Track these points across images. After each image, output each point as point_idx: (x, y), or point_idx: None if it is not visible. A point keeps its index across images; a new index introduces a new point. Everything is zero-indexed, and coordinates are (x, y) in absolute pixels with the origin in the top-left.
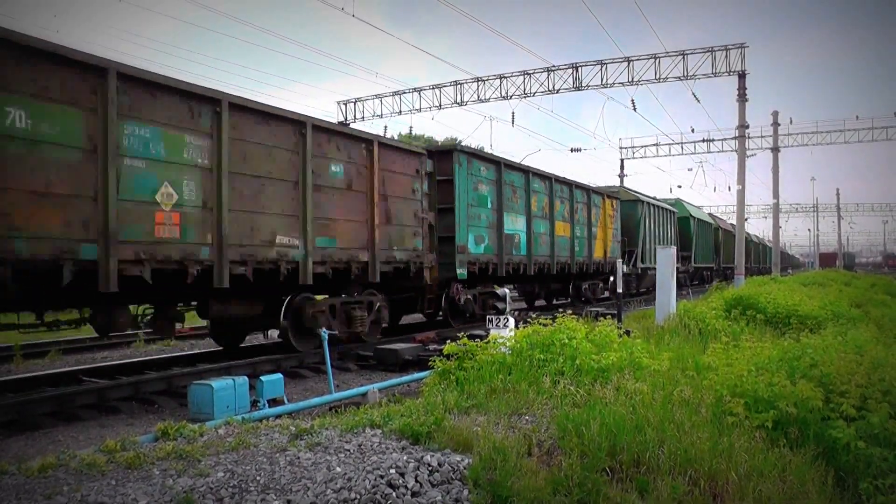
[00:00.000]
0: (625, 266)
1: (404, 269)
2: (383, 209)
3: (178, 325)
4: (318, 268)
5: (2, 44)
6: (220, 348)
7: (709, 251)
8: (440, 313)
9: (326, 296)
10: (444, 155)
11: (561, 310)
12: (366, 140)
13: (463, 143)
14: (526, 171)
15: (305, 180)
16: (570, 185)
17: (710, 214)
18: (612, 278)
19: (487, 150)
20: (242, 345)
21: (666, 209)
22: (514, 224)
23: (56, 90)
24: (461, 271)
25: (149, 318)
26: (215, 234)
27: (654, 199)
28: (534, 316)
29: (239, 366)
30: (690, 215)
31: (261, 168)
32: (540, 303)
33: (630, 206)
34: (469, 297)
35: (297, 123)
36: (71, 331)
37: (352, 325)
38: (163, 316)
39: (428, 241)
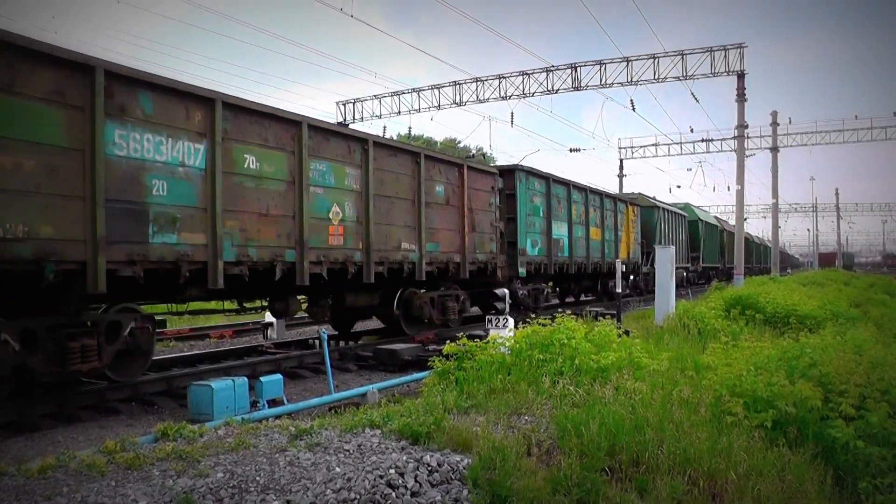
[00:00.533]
0: (644, 266)
1: (483, 269)
2: (470, 220)
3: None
4: (427, 267)
5: (243, 111)
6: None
7: (715, 252)
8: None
9: (424, 290)
10: (508, 173)
11: (589, 306)
12: (458, 164)
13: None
14: (567, 184)
15: (420, 198)
16: (601, 194)
17: (716, 217)
18: (632, 277)
19: (487, 150)
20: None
21: (678, 214)
22: (559, 230)
23: (273, 140)
24: (522, 270)
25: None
26: (364, 242)
27: (667, 204)
28: (533, 316)
29: (238, 366)
30: (699, 219)
31: (391, 190)
32: (569, 299)
33: (648, 211)
34: (525, 292)
35: (414, 154)
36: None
37: (445, 314)
38: (315, 304)
39: (499, 245)
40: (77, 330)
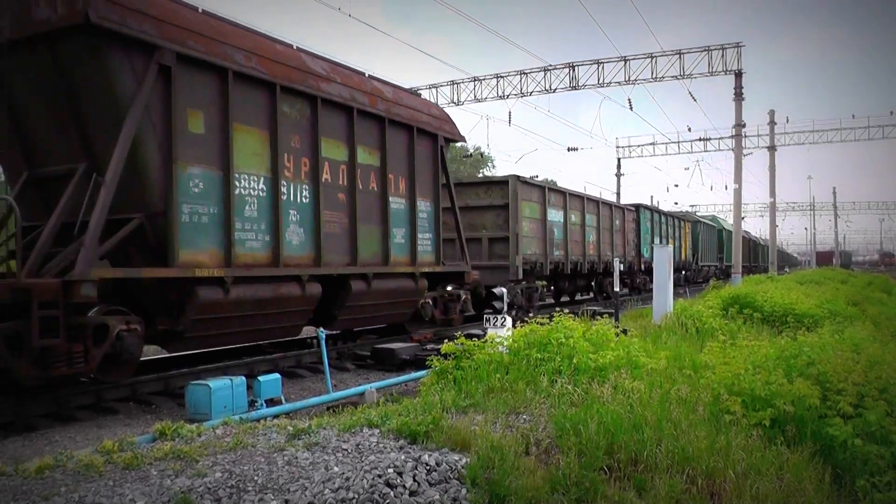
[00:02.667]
0: (694, 263)
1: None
2: (608, 237)
3: None
4: (600, 266)
5: (573, 196)
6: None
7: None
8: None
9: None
10: (631, 206)
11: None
12: (609, 203)
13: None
14: (669, 215)
15: (611, 227)
16: (676, 216)
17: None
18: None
19: (484, 150)
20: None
21: (711, 225)
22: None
23: (573, 205)
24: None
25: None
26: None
27: (702, 217)
28: (531, 315)
29: (236, 366)
30: (723, 227)
31: (604, 224)
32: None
33: (693, 224)
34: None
35: (606, 205)
36: None
37: (602, 289)
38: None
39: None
40: None
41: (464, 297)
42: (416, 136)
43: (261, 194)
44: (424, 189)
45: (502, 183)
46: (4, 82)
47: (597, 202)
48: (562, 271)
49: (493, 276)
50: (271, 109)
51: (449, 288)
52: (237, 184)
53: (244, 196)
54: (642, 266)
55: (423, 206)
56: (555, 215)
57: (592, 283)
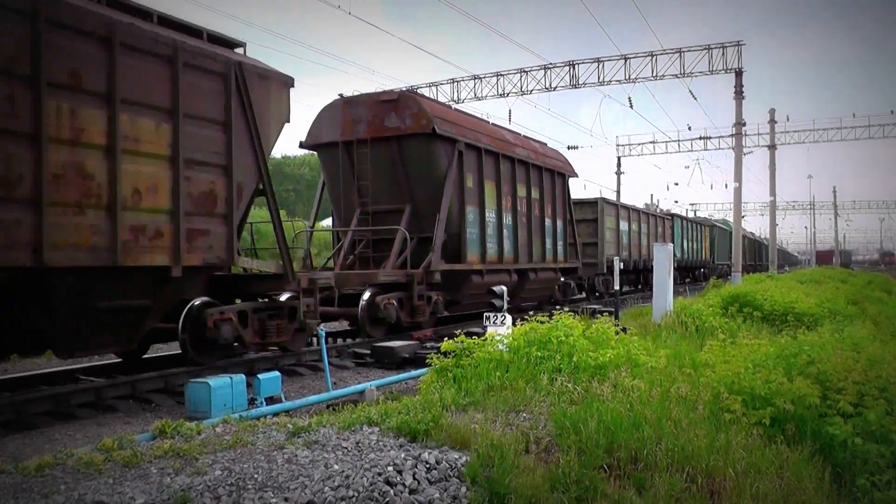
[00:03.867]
0: (711, 261)
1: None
2: (653, 241)
3: None
4: (641, 264)
5: (632, 210)
6: None
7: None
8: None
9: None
10: (668, 216)
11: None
12: (654, 214)
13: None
14: (693, 222)
15: (655, 233)
16: (698, 222)
17: (745, 229)
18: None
19: None
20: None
21: (725, 228)
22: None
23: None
24: None
25: None
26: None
27: (717, 221)
28: (531, 314)
29: (236, 364)
30: (744, 236)
31: (651, 231)
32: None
33: (710, 228)
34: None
35: (652, 216)
36: None
37: (648, 282)
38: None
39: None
40: None
41: (572, 284)
42: (555, 176)
43: (493, 221)
44: (559, 211)
45: (593, 203)
46: (357, 159)
47: (648, 214)
48: (625, 268)
49: (587, 270)
50: (496, 168)
51: (562, 279)
52: (485, 215)
53: (488, 222)
54: (675, 264)
55: (559, 224)
56: (623, 225)
57: (640, 277)
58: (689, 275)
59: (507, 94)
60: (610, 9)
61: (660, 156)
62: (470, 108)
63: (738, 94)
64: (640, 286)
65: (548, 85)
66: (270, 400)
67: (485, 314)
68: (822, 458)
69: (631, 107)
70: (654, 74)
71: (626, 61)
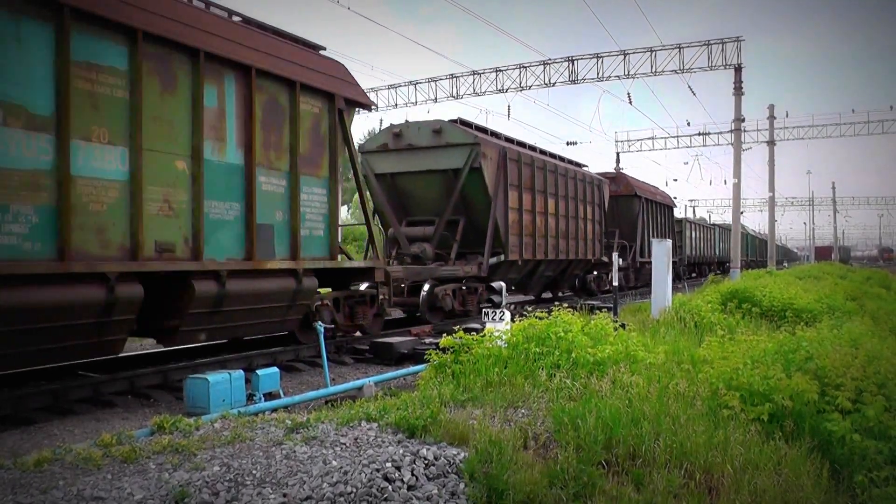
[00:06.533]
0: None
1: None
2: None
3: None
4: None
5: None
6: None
7: (752, 250)
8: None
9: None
10: (703, 222)
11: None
12: (698, 223)
13: None
14: (715, 225)
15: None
16: (717, 226)
17: (742, 226)
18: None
19: None
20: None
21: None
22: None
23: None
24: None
25: None
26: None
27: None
28: (530, 309)
29: (234, 359)
30: (747, 232)
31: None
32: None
33: (723, 231)
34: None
35: (697, 224)
36: None
37: (685, 274)
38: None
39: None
40: None
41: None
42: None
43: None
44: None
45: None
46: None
47: (698, 224)
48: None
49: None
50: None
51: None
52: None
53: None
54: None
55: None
56: (686, 230)
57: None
58: (695, 269)
59: (507, 89)
60: (609, 5)
61: (659, 152)
62: (470, 102)
63: (738, 89)
64: (679, 278)
65: (547, 80)
66: (269, 396)
67: (483, 310)
68: (820, 454)
69: (630, 102)
70: (654, 70)
71: (625, 57)
